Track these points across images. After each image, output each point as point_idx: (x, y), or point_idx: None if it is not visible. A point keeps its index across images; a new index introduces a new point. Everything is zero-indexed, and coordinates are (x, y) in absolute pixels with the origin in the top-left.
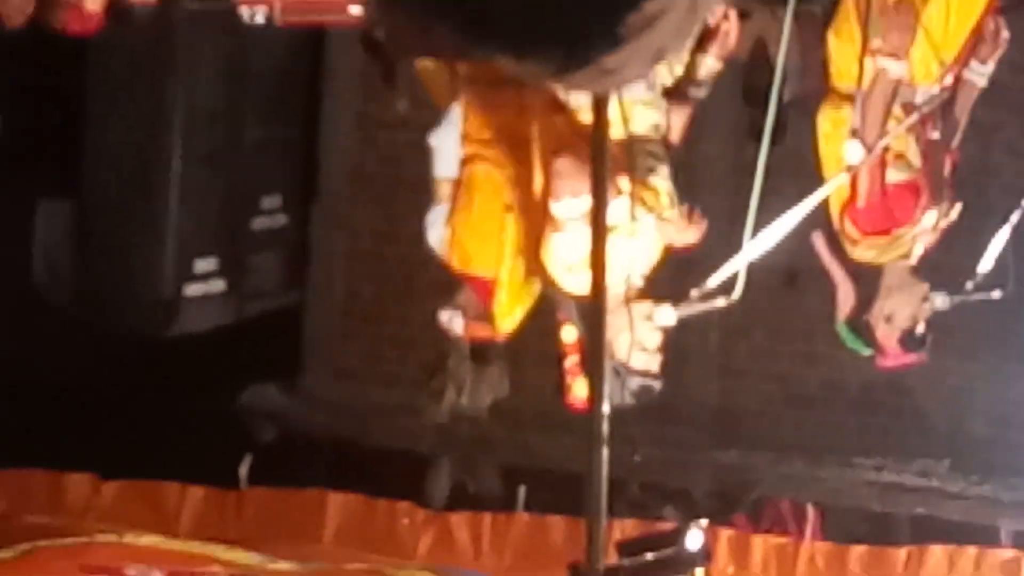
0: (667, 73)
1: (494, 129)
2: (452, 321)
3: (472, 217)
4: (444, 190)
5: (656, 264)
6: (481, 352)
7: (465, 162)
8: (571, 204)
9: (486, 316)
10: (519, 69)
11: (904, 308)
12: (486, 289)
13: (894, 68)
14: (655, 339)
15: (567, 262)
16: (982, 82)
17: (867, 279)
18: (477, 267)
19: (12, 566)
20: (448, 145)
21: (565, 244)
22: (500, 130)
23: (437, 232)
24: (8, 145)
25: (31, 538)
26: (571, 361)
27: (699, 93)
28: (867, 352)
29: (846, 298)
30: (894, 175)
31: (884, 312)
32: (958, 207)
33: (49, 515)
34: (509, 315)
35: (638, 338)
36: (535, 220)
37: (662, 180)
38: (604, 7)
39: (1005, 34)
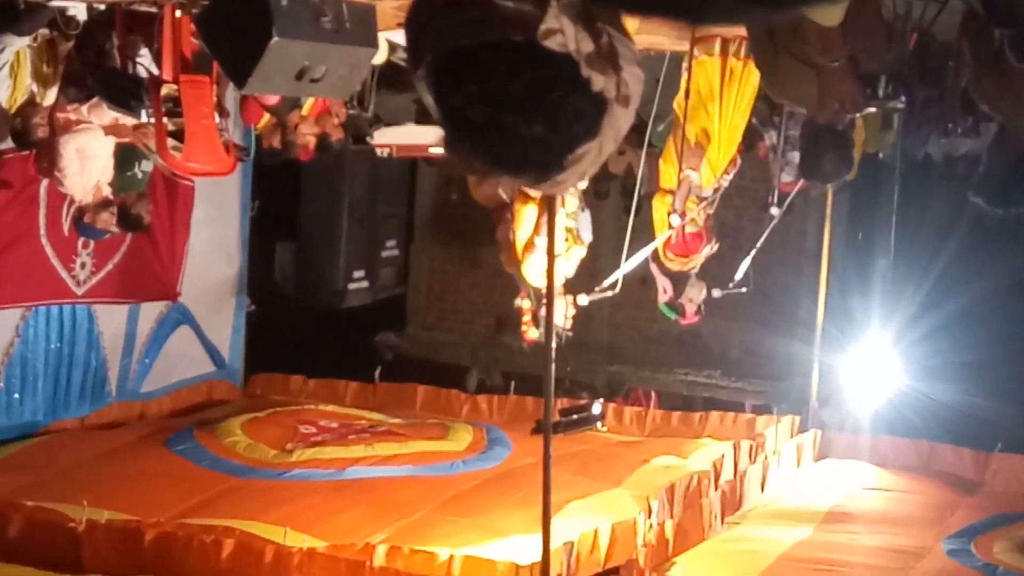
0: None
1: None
2: (522, 302)
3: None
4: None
5: (575, 273)
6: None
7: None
8: (543, 240)
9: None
10: (513, 181)
11: (696, 295)
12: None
13: (694, 176)
14: (573, 311)
15: (537, 270)
16: (725, 184)
17: (677, 279)
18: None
19: (263, 420)
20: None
21: (536, 261)
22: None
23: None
24: (264, 214)
25: (272, 407)
26: (526, 319)
27: (583, 185)
28: (674, 317)
29: (665, 291)
30: (690, 229)
31: (687, 296)
32: (717, 245)
33: (281, 396)
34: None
35: (567, 311)
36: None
37: (584, 231)
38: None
39: (738, 162)
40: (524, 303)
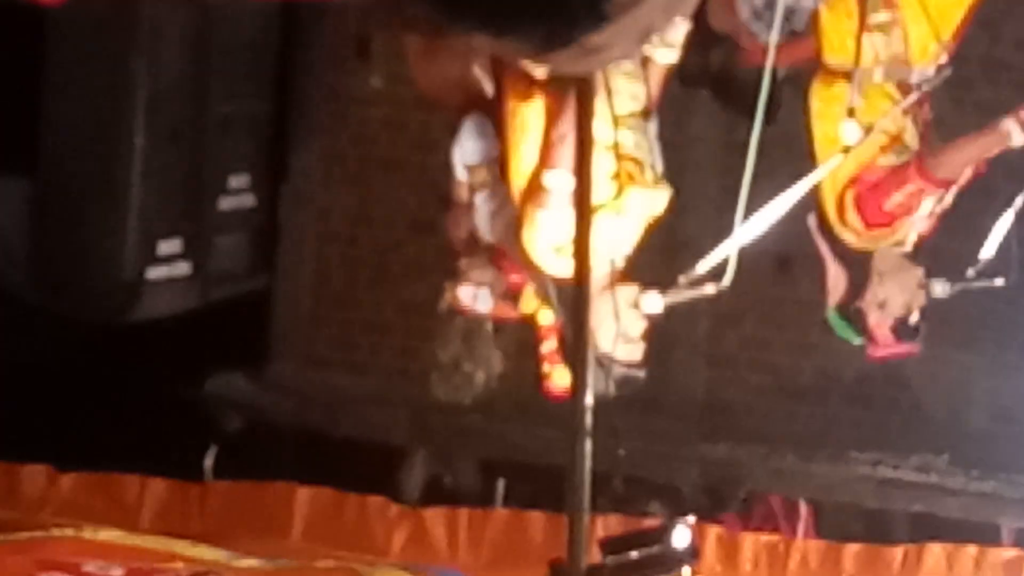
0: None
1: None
2: (478, 298)
3: None
4: (479, 176)
5: (640, 244)
6: (499, 331)
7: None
8: (565, 177)
9: (513, 295)
10: (498, 47)
11: (898, 295)
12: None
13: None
14: (640, 327)
15: (553, 242)
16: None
17: (858, 263)
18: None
19: None
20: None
21: (551, 222)
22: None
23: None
24: None
25: None
26: (548, 346)
27: (670, 57)
28: (857, 341)
29: (836, 283)
30: (891, 159)
31: (877, 299)
32: (953, 191)
33: (2, 508)
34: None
35: (623, 326)
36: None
37: (645, 152)
38: None
39: None
40: (547, 316)
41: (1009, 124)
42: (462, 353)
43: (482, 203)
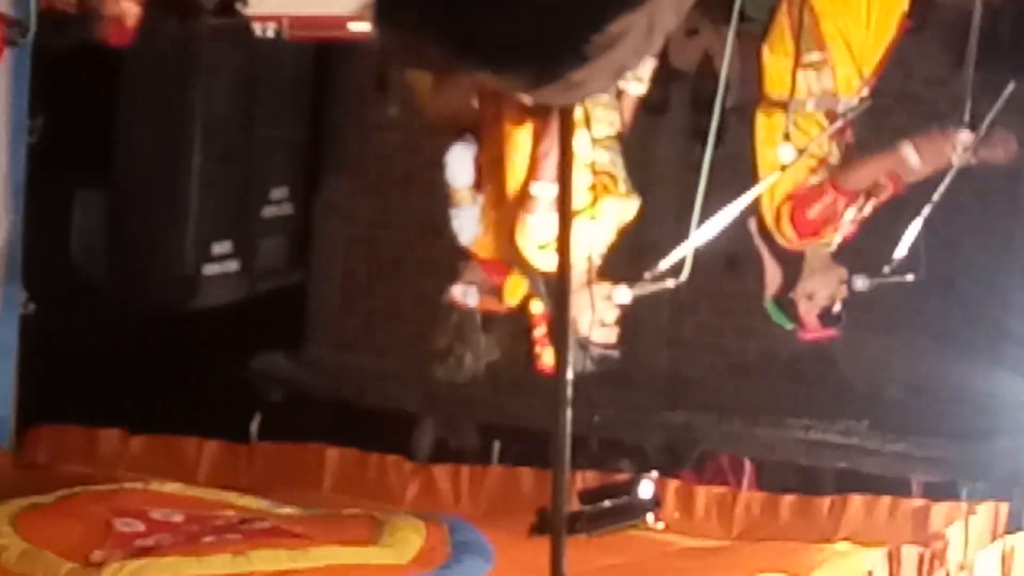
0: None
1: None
2: (467, 295)
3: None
4: (463, 196)
5: (613, 246)
6: (488, 321)
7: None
8: (549, 188)
9: (496, 292)
10: (497, 82)
11: (823, 288)
12: (500, 270)
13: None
14: (613, 315)
15: (539, 241)
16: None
17: (791, 261)
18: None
19: (50, 510)
20: (461, 161)
21: (538, 225)
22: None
23: (469, 231)
24: (50, 142)
25: (68, 485)
26: (539, 331)
27: (640, 89)
28: (790, 326)
29: (773, 278)
30: (820, 177)
31: (806, 291)
32: (872, 203)
33: (83, 465)
34: (516, 292)
35: (599, 314)
36: (510, 203)
37: (618, 169)
38: (572, 29)
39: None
40: (537, 306)
41: (906, 147)
42: (454, 341)
43: (456, 217)
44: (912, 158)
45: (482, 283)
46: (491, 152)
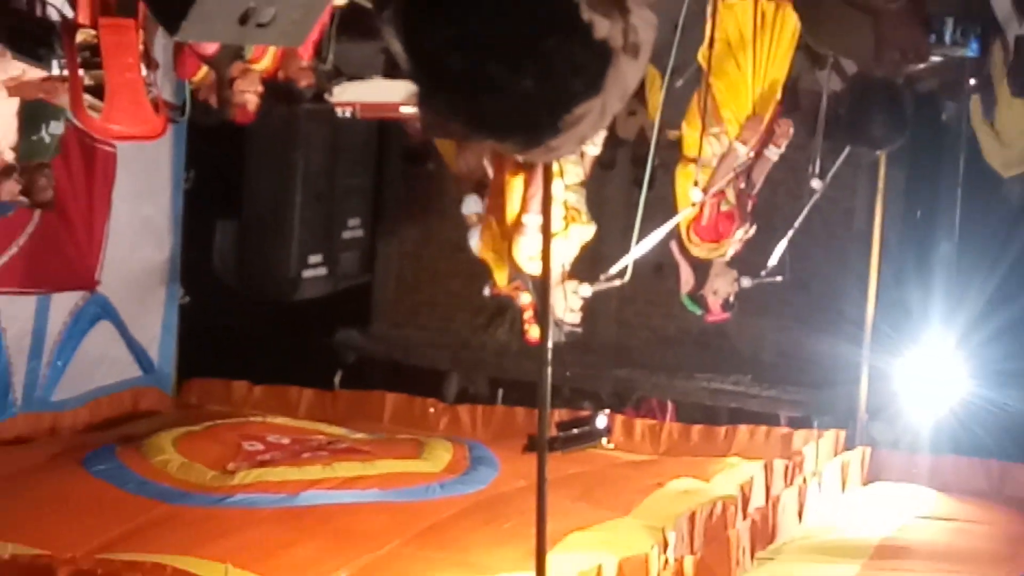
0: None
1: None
2: (518, 291)
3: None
4: (472, 222)
5: (578, 257)
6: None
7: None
8: (535, 218)
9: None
10: (499, 147)
11: (723, 286)
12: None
13: (742, 149)
14: (579, 304)
15: (529, 254)
16: (774, 157)
17: (701, 268)
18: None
19: (199, 435)
20: (474, 203)
21: (527, 243)
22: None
23: (475, 243)
24: (199, 188)
25: (210, 419)
26: (527, 315)
27: (595, 151)
28: (699, 313)
29: (688, 279)
30: (722, 207)
31: (712, 288)
32: (754, 228)
33: (221, 406)
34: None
35: (569, 303)
36: (507, 229)
37: (582, 205)
38: (550, 111)
39: (791, 131)
40: (525, 297)
41: (736, 144)
42: (495, 318)
43: (471, 237)
44: (742, 150)
45: (524, 281)
46: (497, 194)
